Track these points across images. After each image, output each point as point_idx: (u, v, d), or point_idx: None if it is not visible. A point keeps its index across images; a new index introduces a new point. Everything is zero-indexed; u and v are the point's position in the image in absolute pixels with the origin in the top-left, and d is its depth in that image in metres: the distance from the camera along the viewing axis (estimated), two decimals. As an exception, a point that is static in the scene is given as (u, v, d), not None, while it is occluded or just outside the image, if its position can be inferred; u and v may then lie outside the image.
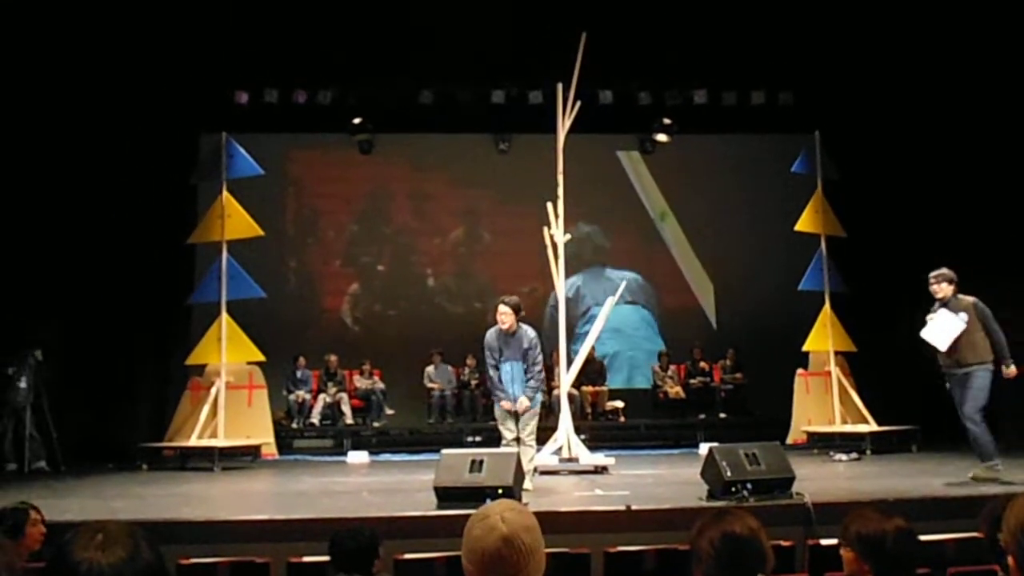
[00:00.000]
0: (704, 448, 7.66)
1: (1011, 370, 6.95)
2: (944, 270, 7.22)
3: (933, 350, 7.14)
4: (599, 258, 13.04)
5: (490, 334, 7.20)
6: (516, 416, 7.05)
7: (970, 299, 7.06)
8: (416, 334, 11.34)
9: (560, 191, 8.83)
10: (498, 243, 12.29)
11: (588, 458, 8.38)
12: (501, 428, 7.12)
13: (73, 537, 1.49)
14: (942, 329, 6.96)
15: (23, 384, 9.31)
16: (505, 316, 7.06)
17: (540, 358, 7.19)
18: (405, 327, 11.33)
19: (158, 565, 1.51)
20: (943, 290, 7.09)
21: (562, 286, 8.76)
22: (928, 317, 7.13)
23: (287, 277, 11.90)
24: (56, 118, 9.81)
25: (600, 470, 8.24)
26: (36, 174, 9.71)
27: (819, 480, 7.08)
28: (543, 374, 7.48)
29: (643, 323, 12.88)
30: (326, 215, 12.69)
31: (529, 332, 7.12)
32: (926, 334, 7.08)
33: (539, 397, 7.23)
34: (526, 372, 7.05)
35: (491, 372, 7.21)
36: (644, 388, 12.96)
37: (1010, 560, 1.74)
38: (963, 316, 6.94)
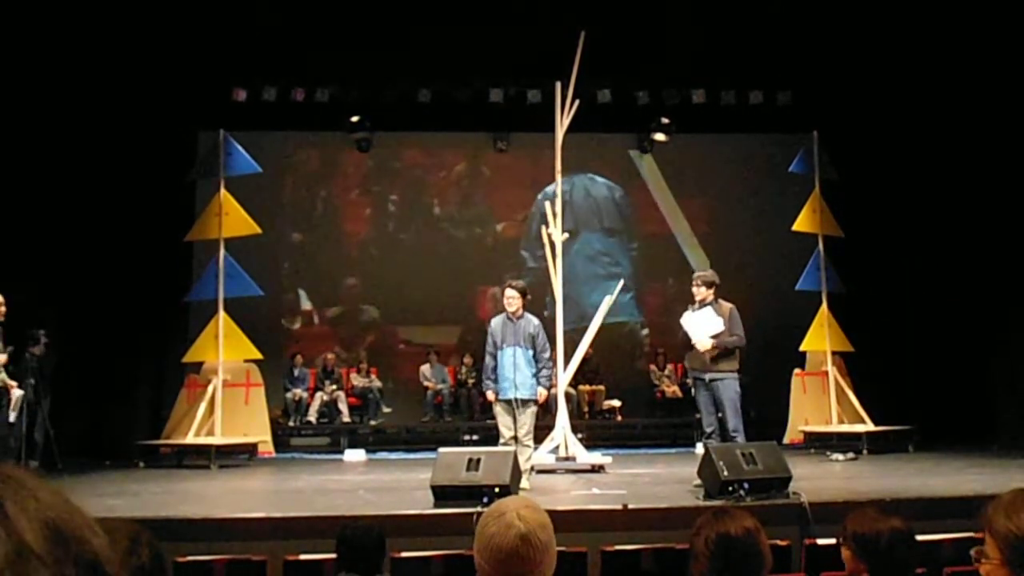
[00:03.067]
0: (700, 447, 7.67)
1: (707, 344, 7.00)
2: (707, 272, 7.36)
3: (684, 353, 7.36)
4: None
5: (495, 320, 7.21)
6: (514, 413, 7.04)
7: (728, 305, 7.15)
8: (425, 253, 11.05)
9: (558, 190, 8.84)
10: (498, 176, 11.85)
11: (585, 457, 8.38)
12: (501, 427, 7.12)
13: None
14: (704, 325, 7.04)
15: (29, 381, 9.30)
16: (512, 300, 7.07)
17: (548, 346, 7.20)
18: (417, 248, 11.01)
19: (158, 564, 1.50)
20: (702, 293, 7.17)
21: (559, 286, 8.76)
22: (686, 315, 7.22)
23: (315, 206, 11.55)
24: (55, 115, 9.80)
25: (597, 469, 8.24)
26: (34, 172, 9.69)
27: (816, 480, 7.08)
28: (552, 362, 7.51)
29: (614, 247, 12.03)
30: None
31: (534, 320, 7.14)
32: (687, 323, 7.15)
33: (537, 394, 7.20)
34: (534, 360, 7.05)
35: (487, 360, 7.22)
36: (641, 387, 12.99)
37: (1000, 570, 1.73)
38: (721, 320, 7.01)
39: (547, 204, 8.69)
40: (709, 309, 7.09)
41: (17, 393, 6.50)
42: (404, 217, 9.77)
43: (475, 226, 9.76)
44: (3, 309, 6.36)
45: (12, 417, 6.45)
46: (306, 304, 8.99)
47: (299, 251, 9.23)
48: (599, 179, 10.97)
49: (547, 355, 7.14)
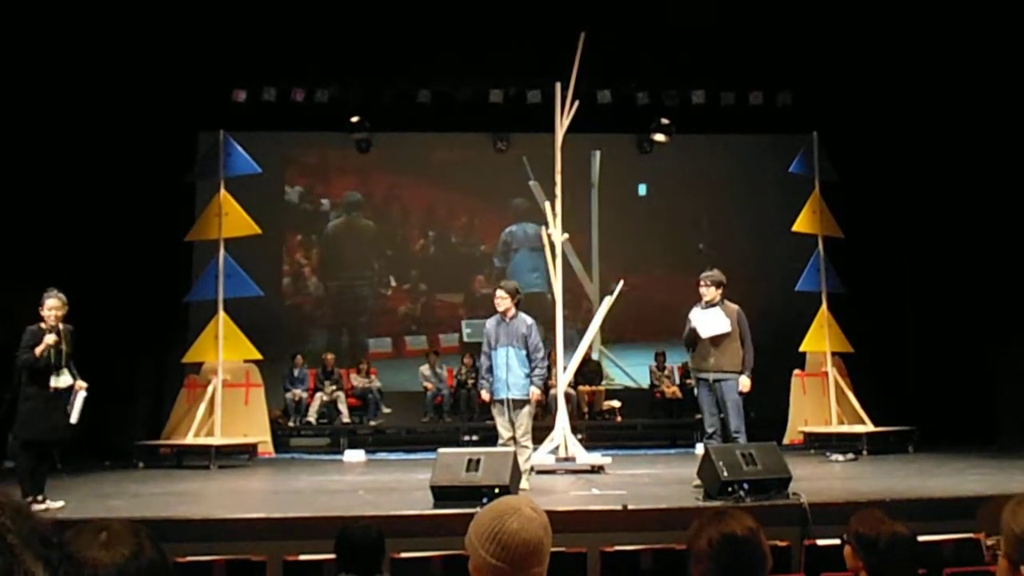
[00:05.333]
0: (701, 448, 7.67)
1: (746, 383, 7.03)
2: (715, 272, 7.31)
3: (688, 351, 7.39)
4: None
5: (490, 321, 7.26)
6: (508, 414, 7.04)
7: (735, 307, 7.18)
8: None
9: (558, 190, 8.86)
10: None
11: (585, 457, 8.38)
12: (499, 427, 7.13)
13: (76, 535, 1.48)
14: (711, 321, 7.07)
15: None
16: (501, 301, 7.11)
17: (542, 345, 7.21)
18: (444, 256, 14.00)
19: (161, 563, 1.51)
20: (710, 293, 7.17)
21: (559, 285, 8.78)
22: (694, 311, 7.22)
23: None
24: (55, 116, 9.80)
25: (597, 469, 8.23)
26: (34, 172, 9.69)
27: (816, 480, 7.09)
28: (547, 361, 7.49)
29: (537, 257, 13.21)
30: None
31: (527, 319, 7.16)
32: (696, 319, 7.15)
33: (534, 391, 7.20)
34: (528, 360, 7.06)
35: (483, 360, 7.28)
36: (641, 387, 13.05)
37: (1004, 563, 1.76)
38: (728, 321, 7.01)
39: (547, 205, 8.76)
40: (718, 309, 7.10)
41: (82, 395, 6.49)
42: (437, 241, 13.97)
43: (471, 247, 14.04)
44: (58, 313, 6.37)
45: (75, 417, 6.45)
46: (393, 283, 13.59)
47: (392, 258, 13.76)
48: (530, 225, 13.28)
49: (540, 354, 7.14)
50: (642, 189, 14.00)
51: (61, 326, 6.42)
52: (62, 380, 6.35)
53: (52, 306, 6.37)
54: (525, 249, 13.49)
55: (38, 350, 6.22)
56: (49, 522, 0.96)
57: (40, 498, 6.23)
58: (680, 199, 13.80)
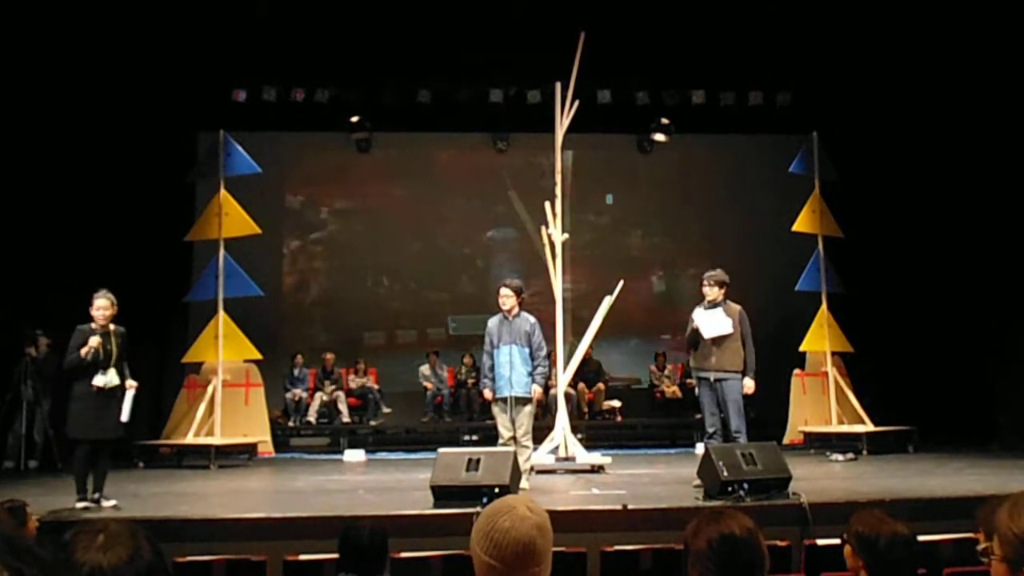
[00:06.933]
0: (701, 448, 7.67)
1: (751, 385, 7.04)
2: (717, 272, 7.31)
3: (689, 351, 7.42)
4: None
5: (492, 320, 7.27)
6: (510, 412, 7.05)
7: (737, 307, 7.20)
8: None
9: (558, 190, 8.86)
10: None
11: (585, 457, 8.38)
12: (499, 427, 7.14)
13: (74, 538, 1.48)
14: (713, 322, 7.09)
15: (27, 382, 9.32)
16: (506, 299, 7.13)
17: (544, 344, 7.23)
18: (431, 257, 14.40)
19: (159, 565, 1.51)
20: (713, 293, 7.19)
21: (559, 284, 8.78)
22: (698, 311, 7.23)
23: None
24: (55, 116, 9.80)
25: (597, 469, 8.24)
26: (34, 173, 9.69)
27: (816, 480, 7.10)
28: (549, 360, 7.51)
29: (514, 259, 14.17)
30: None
31: (530, 318, 7.19)
32: (699, 319, 7.16)
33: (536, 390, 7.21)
34: (531, 358, 7.08)
35: (485, 359, 7.29)
36: (641, 388, 13.05)
37: (1001, 567, 1.75)
38: (731, 321, 7.02)
39: (547, 204, 8.76)
40: (720, 311, 7.11)
41: (131, 393, 6.47)
42: (426, 245, 14.37)
43: (456, 249, 14.53)
44: (107, 313, 6.37)
45: (125, 416, 6.42)
46: (386, 282, 14.16)
47: (385, 260, 14.11)
48: (509, 229, 13.97)
49: (543, 353, 7.17)
50: (609, 199, 14.23)
51: (112, 327, 6.40)
52: (105, 379, 6.32)
53: (100, 306, 6.41)
54: (502, 253, 14.18)
55: (83, 351, 6.22)
56: (26, 533, 0.92)
57: (96, 496, 6.26)
58: (677, 199, 13.82)
